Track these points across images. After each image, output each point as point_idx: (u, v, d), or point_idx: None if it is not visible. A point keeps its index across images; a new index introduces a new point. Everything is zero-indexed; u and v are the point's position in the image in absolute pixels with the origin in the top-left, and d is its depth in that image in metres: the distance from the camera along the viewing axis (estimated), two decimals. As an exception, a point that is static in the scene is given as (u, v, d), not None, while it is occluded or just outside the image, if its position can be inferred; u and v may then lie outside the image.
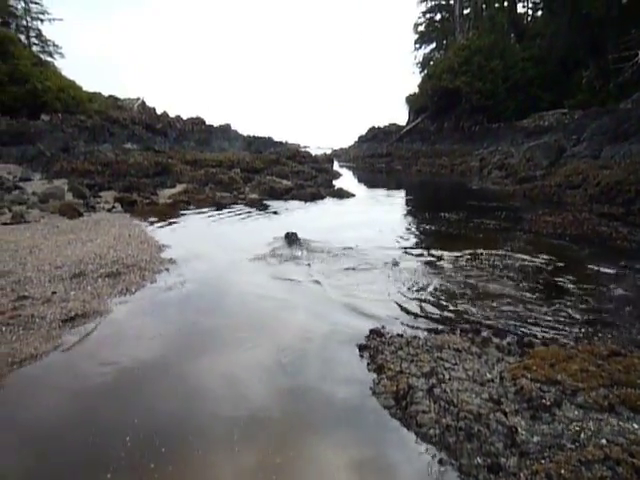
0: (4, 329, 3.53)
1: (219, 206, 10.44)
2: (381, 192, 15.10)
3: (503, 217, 9.20)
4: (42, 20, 34.27)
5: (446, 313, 4.10)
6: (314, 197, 12.44)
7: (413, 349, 3.22)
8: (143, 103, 31.42)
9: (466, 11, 35.28)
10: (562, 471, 2.01)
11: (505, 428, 2.33)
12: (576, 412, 2.46)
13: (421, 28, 42.51)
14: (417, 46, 43.16)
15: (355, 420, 2.56)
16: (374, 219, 9.49)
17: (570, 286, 4.86)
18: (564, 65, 23.32)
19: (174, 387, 2.90)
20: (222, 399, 2.78)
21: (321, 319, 3.98)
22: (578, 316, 4.00)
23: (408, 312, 4.12)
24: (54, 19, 34.67)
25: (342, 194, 13.16)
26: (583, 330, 3.69)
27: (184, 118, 32.55)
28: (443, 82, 27.45)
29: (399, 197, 14.43)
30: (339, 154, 39.01)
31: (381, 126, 37.94)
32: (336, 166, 25.95)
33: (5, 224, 7.44)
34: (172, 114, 32.23)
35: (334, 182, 16.24)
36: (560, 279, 5.10)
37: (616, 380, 2.69)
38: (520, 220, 8.75)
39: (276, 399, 2.78)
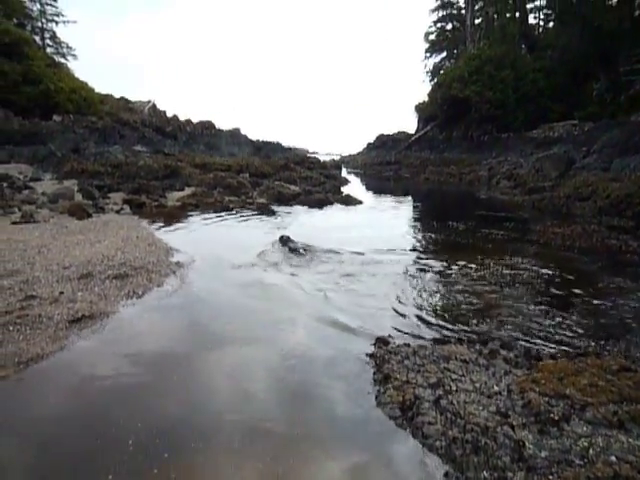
0: (11, 328, 3.54)
1: (227, 210, 10.47)
2: (389, 199, 15.09)
3: (511, 227, 9.14)
4: (57, 22, 34.85)
5: (453, 323, 4.07)
6: (322, 203, 12.45)
7: (420, 359, 3.19)
8: (154, 106, 31.71)
9: (477, 21, 35.38)
10: (570, 488, 1.98)
11: (512, 442, 2.30)
12: (585, 427, 2.42)
13: (432, 37, 42.75)
14: (427, 55, 43.41)
15: (360, 430, 2.54)
16: (381, 226, 9.48)
17: (578, 299, 4.81)
18: (575, 77, 23.28)
19: (178, 391, 2.89)
20: (225, 405, 2.77)
21: (326, 326, 3.96)
22: (587, 330, 3.95)
23: (414, 321, 4.09)
24: (68, 21, 35.20)
25: (350, 201, 13.14)
26: (592, 344, 3.64)
27: (194, 122, 32.80)
28: (453, 91, 27.47)
29: (407, 205, 14.41)
30: (347, 161, 39.10)
31: (390, 134, 38.07)
32: (344, 173, 26.01)
33: (15, 223, 7.50)
34: (182, 117, 32.54)
35: (342, 188, 16.24)
36: (569, 291, 5.05)
37: (626, 396, 2.65)
38: (529, 231, 8.69)
39: (279, 406, 2.76)
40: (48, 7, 34.15)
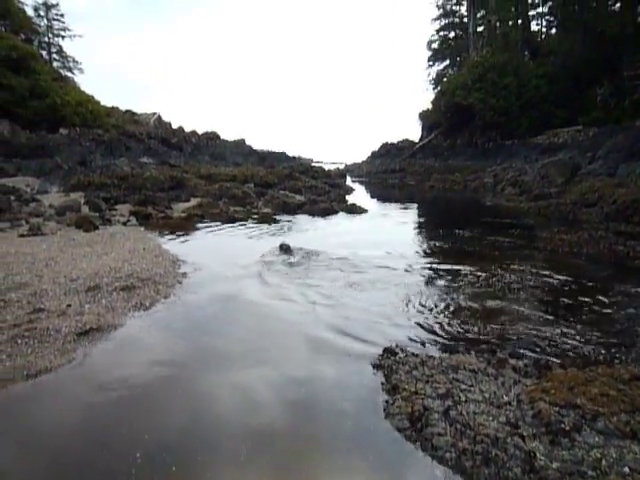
0: (20, 341, 3.56)
1: (232, 220, 10.50)
2: (394, 208, 15.08)
3: (518, 234, 9.11)
4: (63, 37, 35.48)
5: (460, 332, 4.04)
6: (327, 212, 12.46)
7: (428, 369, 3.17)
8: (159, 118, 32.00)
9: (480, 29, 35.54)
10: (583, 500, 1.95)
11: (523, 453, 2.27)
12: (597, 438, 2.39)
13: (435, 45, 43.05)
14: (430, 63, 43.68)
15: (369, 441, 2.52)
16: (387, 235, 9.47)
17: (587, 306, 4.77)
18: (578, 82, 23.31)
19: (185, 403, 2.88)
20: (232, 417, 2.76)
21: (332, 336, 3.93)
22: (596, 338, 3.91)
23: (421, 330, 4.07)
24: (74, 35, 35.78)
25: (355, 209, 13.14)
26: (602, 352, 3.61)
27: (199, 133, 33.09)
28: (456, 98, 27.58)
29: (412, 213, 14.39)
30: (352, 169, 39.25)
31: (394, 142, 38.23)
32: (349, 181, 26.07)
33: (22, 236, 7.56)
34: (187, 129, 32.81)
35: (347, 197, 16.27)
36: (577, 299, 5.01)
37: (638, 405, 2.62)
38: (535, 238, 8.65)
39: (286, 418, 2.74)
40: (55, 22, 34.84)
